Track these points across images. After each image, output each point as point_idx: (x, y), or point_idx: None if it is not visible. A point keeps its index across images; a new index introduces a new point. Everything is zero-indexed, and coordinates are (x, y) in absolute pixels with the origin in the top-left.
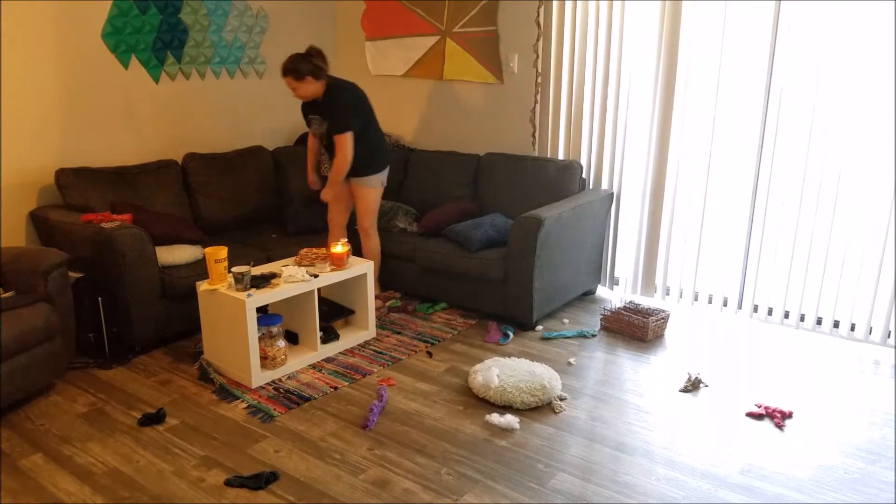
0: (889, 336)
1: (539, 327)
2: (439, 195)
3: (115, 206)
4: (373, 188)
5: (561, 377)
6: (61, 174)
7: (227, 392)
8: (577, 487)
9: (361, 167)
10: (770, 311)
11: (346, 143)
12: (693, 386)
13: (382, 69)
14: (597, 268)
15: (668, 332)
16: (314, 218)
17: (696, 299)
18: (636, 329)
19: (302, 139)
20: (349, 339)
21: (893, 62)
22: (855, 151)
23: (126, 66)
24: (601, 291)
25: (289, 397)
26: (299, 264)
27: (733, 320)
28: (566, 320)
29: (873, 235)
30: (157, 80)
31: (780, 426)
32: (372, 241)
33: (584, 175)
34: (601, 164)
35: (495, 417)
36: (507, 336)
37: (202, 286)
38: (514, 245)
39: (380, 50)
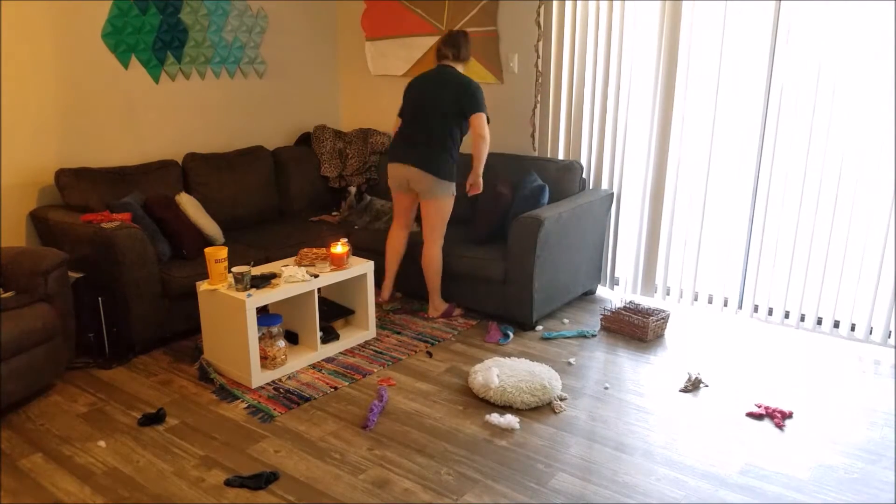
0: (889, 336)
1: (539, 327)
2: None
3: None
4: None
5: (561, 377)
6: (61, 174)
7: (227, 392)
8: (577, 487)
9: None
10: (770, 312)
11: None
12: (693, 386)
13: (382, 69)
14: (597, 268)
15: (668, 332)
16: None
17: (696, 299)
18: (636, 329)
19: (302, 139)
20: (349, 339)
21: (893, 62)
22: (855, 151)
23: (126, 66)
24: (601, 291)
25: (289, 397)
26: (299, 264)
27: (733, 320)
28: (566, 320)
29: (873, 235)
30: (157, 80)
31: (780, 426)
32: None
33: (584, 175)
34: (601, 164)
35: (495, 417)
36: (507, 336)
37: (202, 286)
38: (514, 245)
39: (380, 50)
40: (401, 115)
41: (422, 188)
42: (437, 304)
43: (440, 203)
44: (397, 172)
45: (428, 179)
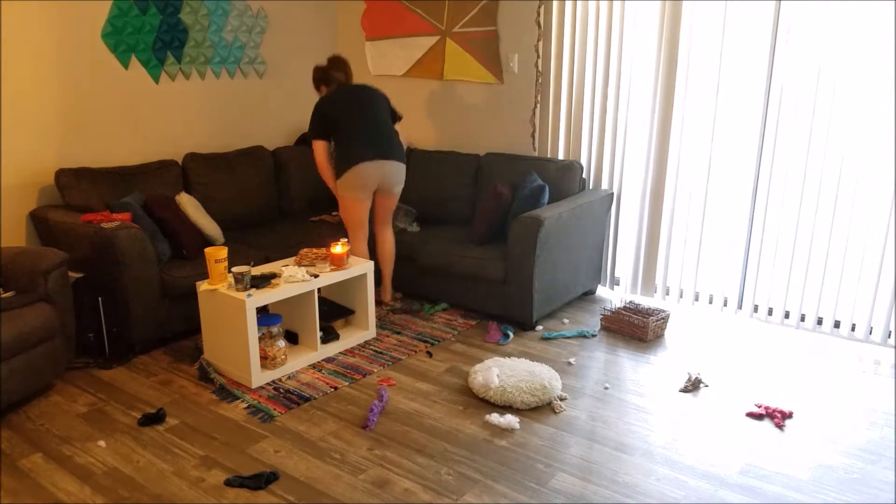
0: (889, 336)
1: (539, 327)
2: (439, 195)
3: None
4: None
5: (561, 377)
6: (61, 174)
7: (227, 392)
8: (577, 487)
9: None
10: (770, 312)
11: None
12: (693, 386)
13: (382, 69)
14: (597, 268)
15: (668, 332)
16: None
17: (696, 299)
18: (636, 329)
19: (302, 139)
20: (349, 339)
21: (893, 62)
22: (855, 151)
23: (126, 66)
24: (601, 291)
25: (289, 397)
26: (299, 264)
27: (733, 320)
28: (566, 320)
29: (873, 235)
30: (157, 80)
31: (780, 426)
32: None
33: (584, 175)
34: (601, 164)
35: (495, 417)
36: (507, 336)
37: (202, 286)
38: (514, 245)
39: (380, 50)
40: (331, 136)
41: (396, 180)
42: (391, 289)
43: (400, 189)
44: (372, 171)
45: (402, 169)
